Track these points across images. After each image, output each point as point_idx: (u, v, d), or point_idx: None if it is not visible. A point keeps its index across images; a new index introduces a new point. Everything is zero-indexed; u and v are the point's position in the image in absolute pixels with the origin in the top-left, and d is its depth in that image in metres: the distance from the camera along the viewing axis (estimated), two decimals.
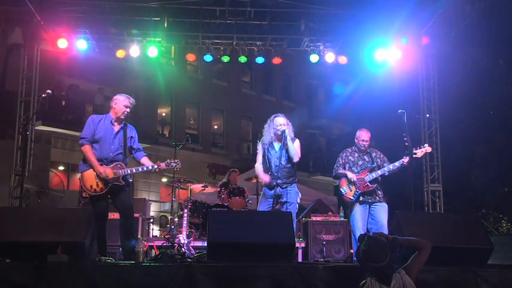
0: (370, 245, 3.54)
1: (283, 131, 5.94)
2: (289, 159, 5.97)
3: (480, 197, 16.76)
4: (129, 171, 5.50)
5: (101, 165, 5.39)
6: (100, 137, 5.47)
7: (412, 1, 8.54)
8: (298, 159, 5.99)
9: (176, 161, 5.74)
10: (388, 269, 3.47)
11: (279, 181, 5.85)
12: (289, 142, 5.92)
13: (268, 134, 6.14)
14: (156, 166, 5.62)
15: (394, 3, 8.60)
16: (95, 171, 5.36)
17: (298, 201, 6.07)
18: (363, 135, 6.31)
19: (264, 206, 6.01)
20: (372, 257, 3.48)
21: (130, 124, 5.78)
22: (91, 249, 4.84)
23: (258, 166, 6.15)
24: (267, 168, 6.03)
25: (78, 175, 5.50)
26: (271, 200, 5.94)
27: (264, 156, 6.10)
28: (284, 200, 5.87)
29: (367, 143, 6.31)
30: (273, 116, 6.25)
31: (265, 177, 6.00)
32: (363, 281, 3.53)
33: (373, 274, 3.50)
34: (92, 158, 5.37)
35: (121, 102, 5.59)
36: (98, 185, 5.36)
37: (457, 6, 8.70)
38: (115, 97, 5.71)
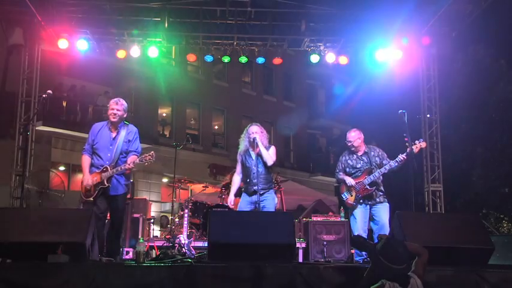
0: (394, 247, 3.50)
1: (254, 138, 6.07)
2: (264, 165, 6.10)
3: (481, 197, 16.74)
4: (110, 173, 5.51)
5: (94, 172, 5.57)
6: (98, 147, 5.63)
7: (412, 1, 8.53)
8: (272, 163, 6.13)
9: (151, 153, 5.61)
10: (407, 271, 3.46)
11: (256, 187, 5.96)
12: (261, 148, 6.05)
13: (243, 143, 6.29)
14: (130, 163, 5.50)
15: (395, 3, 8.60)
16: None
17: (276, 206, 6.26)
18: (349, 136, 6.35)
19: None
20: (395, 259, 3.44)
21: (132, 125, 5.80)
22: (92, 250, 4.85)
23: (235, 178, 6.39)
24: (246, 176, 6.18)
25: (79, 176, 5.58)
26: (250, 205, 6.07)
27: (242, 165, 6.25)
28: (262, 205, 5.97)
29: (353, 142, 6.30)
30: (248, 125, 6.41)
31: (229, 200, 6.37)
32: (376, 284, 3.47)
33: (392, 277, 3.44)
34: (83, 168, 5.63)
35: (109, 107, 5.67)
36: (89, 190, 5.53)
37: (458, 6, 8.68)
38: (109, 102, 5.79)
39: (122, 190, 5.65)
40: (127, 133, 5.68)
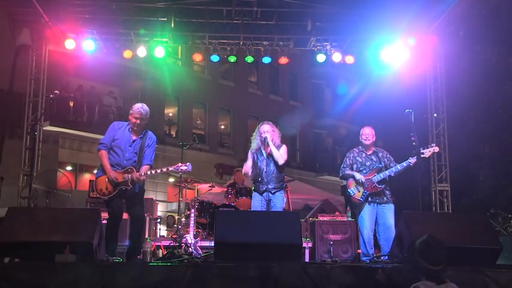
0: (433, 246, 3.31)
1: (265, 138, 6.16)
2: (276, 164, 6.17)
3: (489, 197, 16.63)
4: (136, 176, 5.50)
5: (115, 170, 5.51)
6: (117, 144, 5.61)
7: (419, 0, 8.49)
8: (283, 162, 6.22)
9: (187, 164, 5.79)
10: (442, 273, 3.28)
11: (267, 186, 6.02)
12: (271, 147, 6.13)
13: (255, 141, 6.38)
14: (164, 169, 5.70)
15: (402, 2, 8.56)
16: (106, 175, 5.49)
17: (284, 206, 6.33)
18: (365, 131, 6.37)
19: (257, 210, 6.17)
20: (434, 259, 3.26)
21: (151, 132, 5.83)
22: (99, 249, 4.87)
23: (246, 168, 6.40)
24: (258, 174, 6.23)
25: (86, 175, 5.56)
26: (262, 203, 6.08)
27: (254, 163, 6.31)
28: (272, 204, 6.03)
29: (369, 137, 6.33)
30: (260, 123, 6.48)
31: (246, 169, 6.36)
32: (415, 284, 3.28)
33: (427, 277, 3.26)
34: (106, 163, 5.52)
35: (132, 113, 5.66)
36: (107, 188, 5.48)
37: (466, 5, 8.62)
38: (132, 106, 5.77)
39: (138, 187, 5.65)
40: (148, 140, 5.71)
